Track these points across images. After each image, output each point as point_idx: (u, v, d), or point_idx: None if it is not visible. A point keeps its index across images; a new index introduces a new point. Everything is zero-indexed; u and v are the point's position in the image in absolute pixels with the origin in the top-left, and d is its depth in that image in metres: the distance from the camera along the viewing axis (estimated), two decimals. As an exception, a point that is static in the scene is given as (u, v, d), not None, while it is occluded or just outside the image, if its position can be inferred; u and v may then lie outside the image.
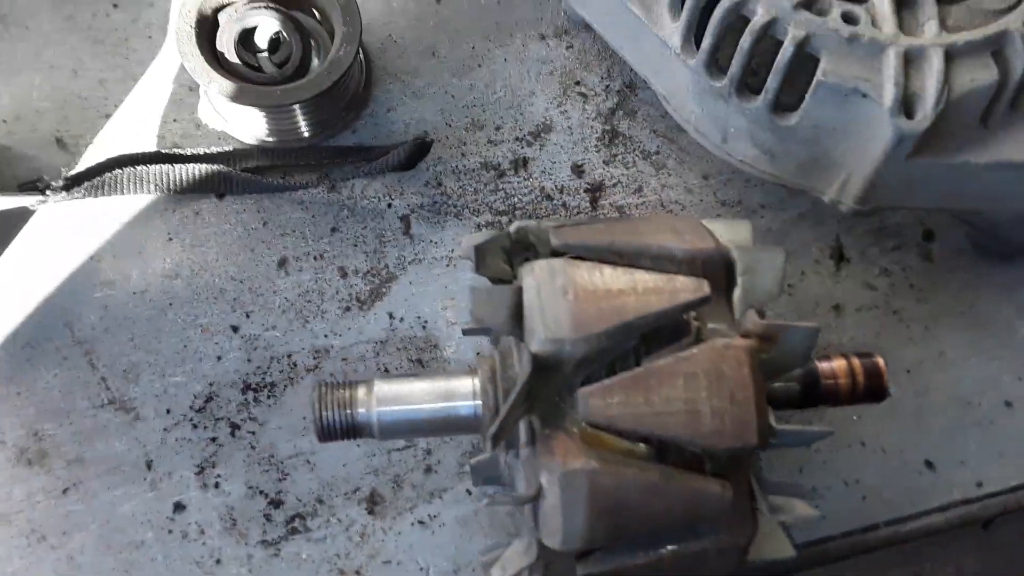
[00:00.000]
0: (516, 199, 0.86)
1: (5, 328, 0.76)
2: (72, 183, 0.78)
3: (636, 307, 0.56)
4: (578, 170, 0.88)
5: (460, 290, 0.81)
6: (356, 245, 0.83)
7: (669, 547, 0.57)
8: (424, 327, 0.80)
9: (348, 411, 0.61)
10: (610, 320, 0.56)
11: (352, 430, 0.62)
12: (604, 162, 0.88)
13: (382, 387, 0.63)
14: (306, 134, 0.87)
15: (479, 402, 0.63)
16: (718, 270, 0.61)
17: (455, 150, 0.88)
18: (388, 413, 0.62)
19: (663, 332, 0.58)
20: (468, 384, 0.64)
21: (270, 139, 0.86)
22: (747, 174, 0.85)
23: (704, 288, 0.59)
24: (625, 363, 0.59)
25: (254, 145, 0.86)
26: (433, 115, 0.89)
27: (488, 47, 0.94)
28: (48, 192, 0.78)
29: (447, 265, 0.83)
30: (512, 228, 0.64)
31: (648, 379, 0.55)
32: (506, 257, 0.64)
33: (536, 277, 0.58)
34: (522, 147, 0.89)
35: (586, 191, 0.87)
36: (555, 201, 0.86)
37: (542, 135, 0.90)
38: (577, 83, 0.93)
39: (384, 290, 0.82)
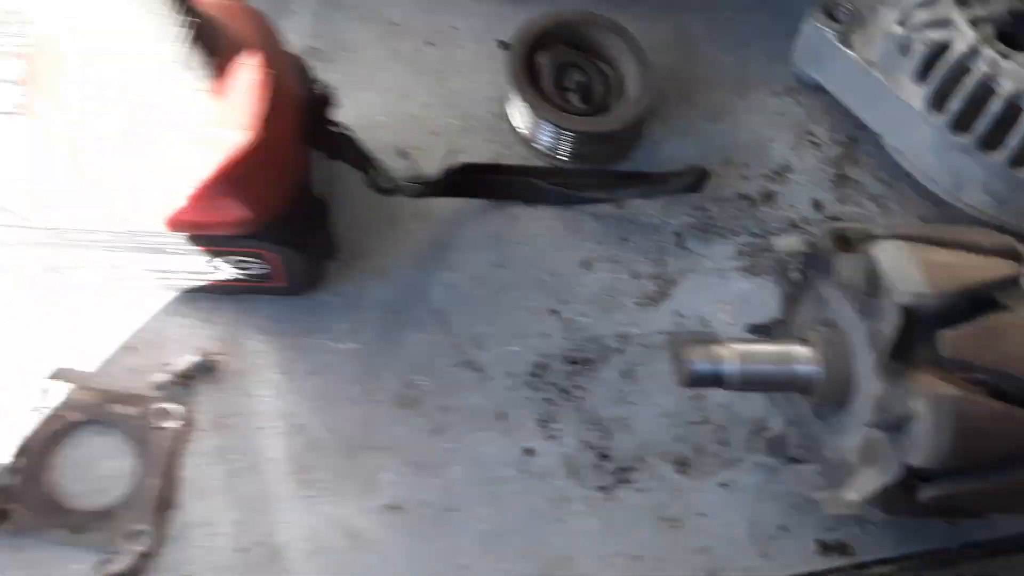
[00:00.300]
0: (768, 226, 1.02)
1: (376, 296, 0.91)
2: (432, 184, 0.93)
3: (974, 275, 0.71)
4: (818, 206, 1.04)
5: (734, 297, 0.97)
6: (642, 253, 0.98)
7: (1003, 474, 0.71)
8: (706, 325, 0.95)
9: (714, 364, 0.76)
10: (958, 282, 0.70)
11: (715, 380, 0.76)
12: (838, 200, 1.05)
13: (739, 346, 0.77)
14: (596, 158, 1.03)
15: (814, 367, 0.77)
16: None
17: (714, 181, 1.03)
18: (746, 368, 0.77)
19: (983, 303, 0.72)
20: (803, 351, 0.79)
21: (568, 161, 1.02)
22: (963, 217, 1.02)
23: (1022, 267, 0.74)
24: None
25: (559, 165, 1.02)
26: (693, 151, 1.06)
27: (731, 98, 1.11)
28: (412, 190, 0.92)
29: (718, 277, 0.98)
30: (832, 228, 0.79)
31: (994, 327, 0.70)
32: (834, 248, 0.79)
33: (885, 250, 0.73)
34: (768, 183, 1.05)
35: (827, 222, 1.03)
36: (802, 230, 1.02)
37: (783, 174, 1.06)
38: (808, 133, 1.10)
39: (668, 292, 0.97)
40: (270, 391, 0.85)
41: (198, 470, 0.81)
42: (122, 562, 0.76)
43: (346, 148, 0.84)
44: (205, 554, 0.79)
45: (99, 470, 0.81)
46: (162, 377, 0.83)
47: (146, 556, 0.77)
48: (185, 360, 0.83)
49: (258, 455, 0.82)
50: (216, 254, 0.79)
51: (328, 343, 0.88)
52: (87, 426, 0.82)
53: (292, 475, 0.82)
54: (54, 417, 0.81)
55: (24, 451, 0.79)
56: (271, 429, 0.83)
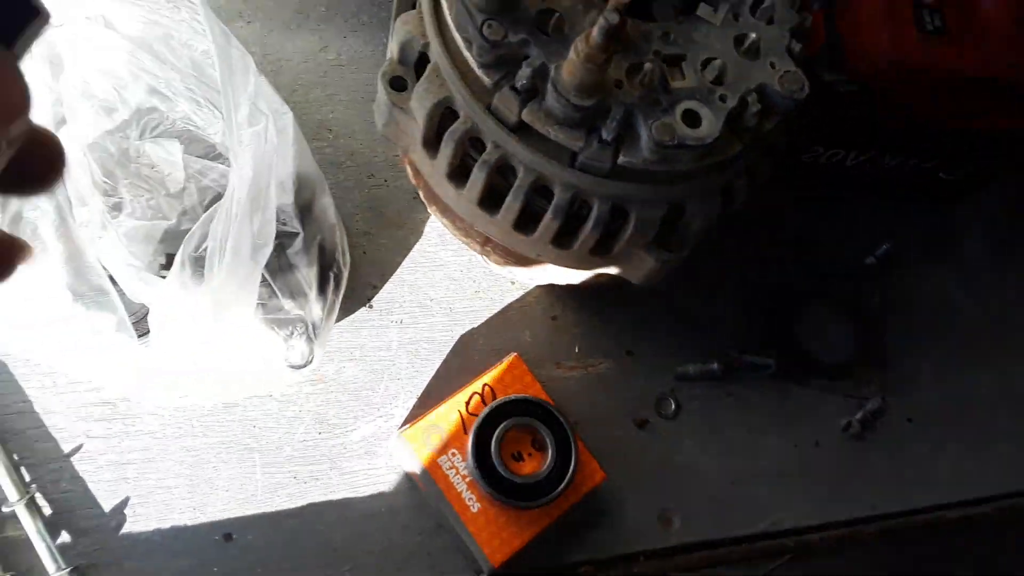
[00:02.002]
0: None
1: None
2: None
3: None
4: None
5: None
6: None
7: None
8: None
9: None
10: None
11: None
12: None
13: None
14: None
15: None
16: None
17: None
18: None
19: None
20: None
21: None
22: None
23: None
24: None
25: None
26: None
27: None
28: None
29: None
30: None
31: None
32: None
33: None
34: None
35: None
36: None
37: None
38: None
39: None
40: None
41: (897, 339, 1.02)
42: (873, 404, 0.97)
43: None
44: (922, 401, 0.99)
45: (828, 334, 1.01)
46: (870, 261, 1.02)
47: (882, 403, 0.97)
48: (883, 249, 1.03)
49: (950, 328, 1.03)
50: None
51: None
52: (814, 299, 1.01)
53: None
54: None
55: (773, 315, 0.99)
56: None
